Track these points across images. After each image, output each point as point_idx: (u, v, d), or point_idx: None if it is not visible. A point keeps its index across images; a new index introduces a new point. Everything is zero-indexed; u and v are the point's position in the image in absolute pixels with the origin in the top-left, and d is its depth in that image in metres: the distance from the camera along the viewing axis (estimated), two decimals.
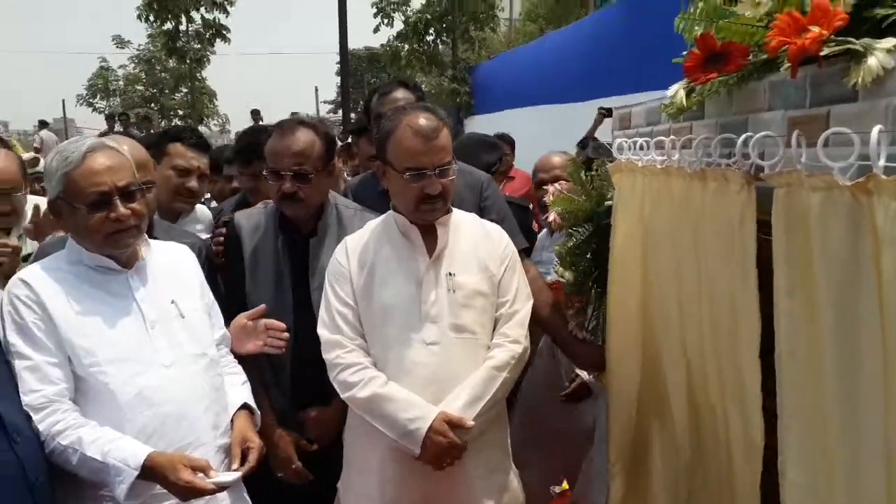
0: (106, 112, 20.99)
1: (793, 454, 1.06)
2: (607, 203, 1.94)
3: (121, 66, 24.99)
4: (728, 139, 1.32)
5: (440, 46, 16.00)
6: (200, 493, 1.51)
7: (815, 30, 1.02)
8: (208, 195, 3.22)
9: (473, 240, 1.88)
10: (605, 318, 1.98)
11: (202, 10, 19.24)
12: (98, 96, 24.85)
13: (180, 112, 23.15)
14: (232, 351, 1.92)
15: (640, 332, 1.72)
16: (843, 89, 1.04)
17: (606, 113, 5.03)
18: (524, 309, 1.87)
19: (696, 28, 1.36)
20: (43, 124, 14.83)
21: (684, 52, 1.40)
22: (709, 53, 1.27)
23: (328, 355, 1.81)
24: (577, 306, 2.13)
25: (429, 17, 15.23)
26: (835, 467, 0.97)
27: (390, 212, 1.90)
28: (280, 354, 1.97)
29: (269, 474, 1.90)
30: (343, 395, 1.79)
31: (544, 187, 2.63)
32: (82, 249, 1.65)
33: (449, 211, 1.87)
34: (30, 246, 2.28)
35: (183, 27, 19.44)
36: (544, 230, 2.83)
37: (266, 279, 2.07)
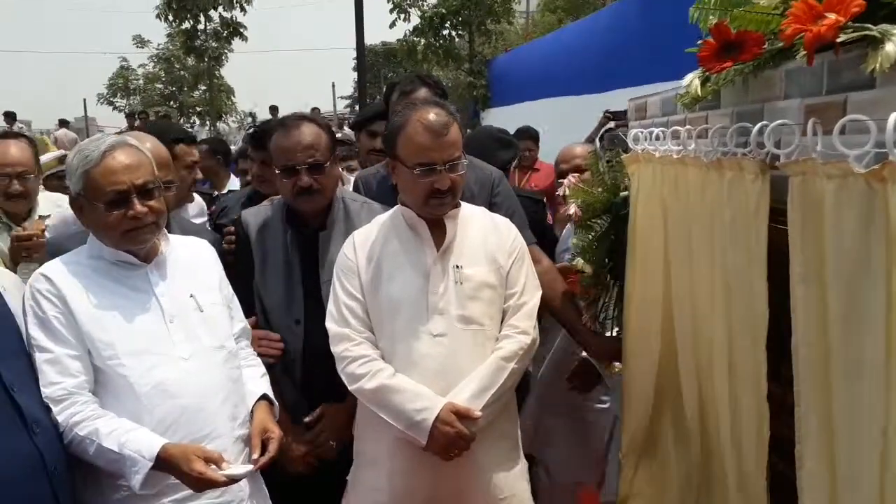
0: (126, 111, 21.26)
1: (811, 443, 1.05)
2: (623, 194, 1.94)
3: (140, 66, 25.32)
4: (744, 128, 1.31)
5: (456, 40, 15.96)
6: (213, 484, 1.53)
7: (832, 16, 1.01)
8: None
9: (482, 232, 1.89)
10: (621, 309, 1.97)
11: (220, 8, 19.39)
12: (118, 95, 25.18)
13: (199, 109, 23.36)
14: None
15: (659, 322, 1.71)
16: (860, 76, 1.02)
17: (611, 116, 5.02)
18: (532, 300, 1.88)
19: (711, 17, 1.34)
20: (63, 123, 15.07)
21: (699, 42, 1.39)
22: (723, 43, 1.26)
23: (336, 348, 1.83)
24: (590, 297, 2.12)
25: (444, 11, 15.18)
26: (850, 456, 0.96)
27: (398, 206, 1.91)
28: (290, 348, 2.01)
29: (281, 467, 1.92)
30: (351, 387, 1.80)
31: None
32: (102, 245, 1.67)
33: (458, 205, 1.87)
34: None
35: (201, 26, 19.60)
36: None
37: (276, 274, 2.09)
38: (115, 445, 1.50)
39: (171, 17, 19.14)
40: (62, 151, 4.68)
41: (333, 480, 1.96)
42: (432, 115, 1.77)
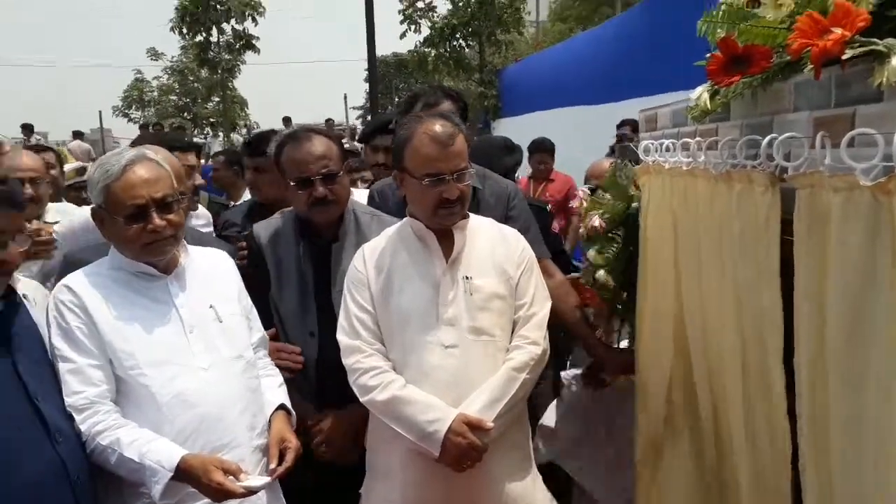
0: (140, 122, 21.50)
1: (812, 455, 1.06)
2: (634, 205, 1.95)
3: (155, 78, 25.59)
4: (753, 140, 1.32)
5: (467, 50, 16.03)
6: (230, 495, 1.55)
7: (838, 31, 1.02)
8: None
9: (490, 243, 1.90)
10: (634, 320, 1.98)
11: (232, 21, 19.59)
12: (133, 107, 25.47)
13: (212, 120, 23.57)
14: None
15: (671, 334, 1.71)
16: (868, 89, 1.03)
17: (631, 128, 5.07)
18: (542, 311, 1.89)
19: (719, 31, 1.36)
20: (77, 135, 15.23)
21: (707, 55, 1.40)
22: (731, 56, 1.28)
23: (348, 360, 1.84)
24: (606, 310, 2.13)
25: (455, 22, 15.26)
26: (850, 469, 0.97)
27: (406, 218, 1.92)
28: (304, 359, 2.03)
29: (297, 478, 1.93)
30: (362, 399, 1.80)
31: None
32: (123, 257, 1.71)
33: (466, 216, 1.89)
34: None
35: (214, 39, 19.81)
36: None
37: (290, 286, 2.11)
38: (136, 455, 1.53)
39: (184, 31, 19.36)
40: (81, 163, 4.77)
41: (348, 493, 1.97)
42: (438, 126, 1.79)
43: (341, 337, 1.87)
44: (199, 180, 2.76)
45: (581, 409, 2.40)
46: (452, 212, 1.81)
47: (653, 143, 1.82)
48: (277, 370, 1.95)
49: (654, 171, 1.74)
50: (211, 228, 3.17)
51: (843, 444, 0.98)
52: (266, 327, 2.01)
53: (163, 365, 1.64)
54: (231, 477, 1.55)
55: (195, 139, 17.67)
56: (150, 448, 1.54)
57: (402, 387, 1.76)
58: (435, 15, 15.72)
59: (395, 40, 17.40)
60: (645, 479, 1.89)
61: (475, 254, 1.86)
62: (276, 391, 1.88)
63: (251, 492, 1.59)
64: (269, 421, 1.80)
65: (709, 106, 1.41)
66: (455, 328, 1.79)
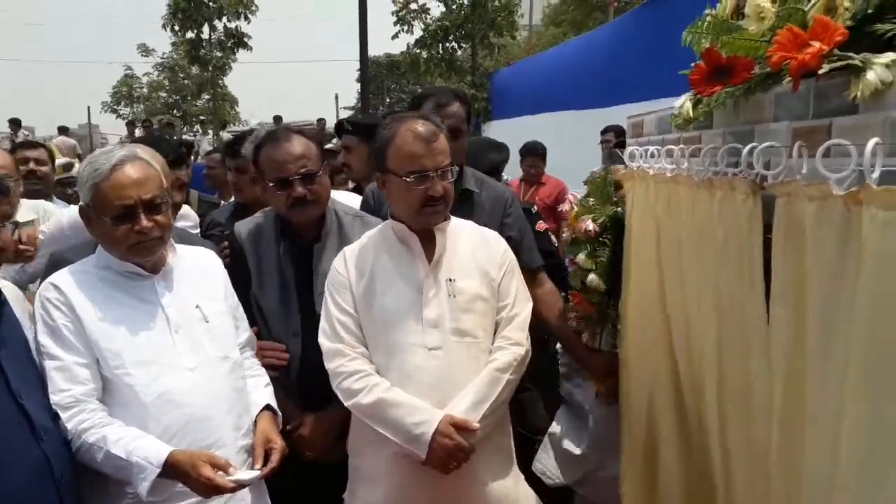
0: (129, 118, 21.37)
1: (780, 457, 1.08)
2: (620, 209, 1.98)
3: (145, 74, 25.48)
4: (734, 148, 1.35)
5: (458, 52, 16.08)
6: (220, 490, 1.55)
7: (816, 45, 1.05)
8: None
9: (472, 245, 1.91)
10: (618, 325, 2.01)
11: (224, 19, 19.54)
12: (122, 103, 25.33)
13: (202, 118, 23.50)
14: None
15: (656, 336, 1.73)
16: (844, 101, 1.06)
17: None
18: (524, 312, 1.91)
19: (704, 41, 1.39)
20: (62, 130, 15.13)
21: (692, 64, 1.43)
22: (714, 67, 1.30)
23: (330, 364, 1.83)
24: (592, 315, 2.15)
25: (448, 24, 15.30)
26: (815, 470, 1.00)
27: (388, 221, 1.93)
28: (286, 360, 2.03)
29: (281, 479, 1.93)
30: (347, 403, 1.80)
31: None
32: (110, 256, 1.70)
33: (447, 218, 1.90)
34: None
35: (206, 36, 19.75)
36: None
37: (271, 285, 2.11)
38: (122, 452, 1.53)
39: (176, 27, 19.29)
40: (68, 159, 4.75)
41: (331, 493, 1.97)
42: (420, 125, 1.80)
43: (323, 340, 1.86)
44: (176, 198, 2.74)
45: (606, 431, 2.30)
46: (437, 210, 1.82)
47: (638, 150, 1.85)
48: (264, 370, 1.96)
49: (639, 177, 1.77)
50: (198, 230, 3.16)
51: (813, 442, 1.01)
52: (249, 325, 2.02)
53: (148, 365, 1.64)
54: (220, 472, 1.55)
55: (184, 136, 17.59)
56: (137, 445, 1.54)
57: (387, 389, 1.77)
58: (428, 17, 15.76)
59: (388, 41, 17.43)
60: (633, 480, 1.90)
61: (457, 256, 1.88)
62: (262, 391, 1.88)
63: (241, 486, 1.59)
64: (255, 421, 1.80)
65: (691, 114, 1.44)
66: (438, 330, 1.80)
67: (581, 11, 18.24)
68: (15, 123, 14.07)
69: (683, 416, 1.61)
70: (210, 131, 22.77)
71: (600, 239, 2.08)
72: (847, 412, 0.90)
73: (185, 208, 3.05)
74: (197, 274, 1.83)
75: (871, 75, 0.99)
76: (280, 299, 2.10)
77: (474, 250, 1.91)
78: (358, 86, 16.84)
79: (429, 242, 1.86)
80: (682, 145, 1.60)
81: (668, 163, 1.63)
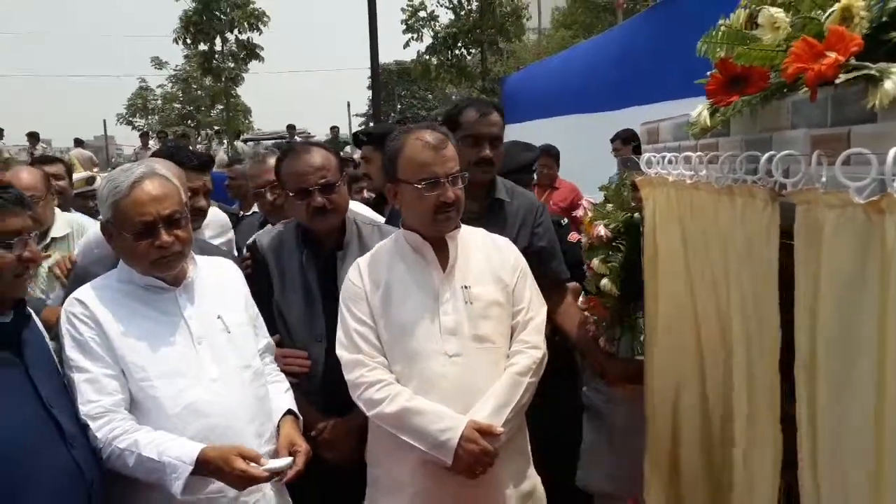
0: (143, 129, 21.60)
1: (810, 463, 1.09)
2: (636, 215, 1.98)
3: (159, 86, 25.77)
4: (753, 156, 1.35)
5: (468, 58, 16.13)
6: (254, 480, 1.56)
7: (832, 55, 1.05)
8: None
9: (484, 252, 1.93)
10: (638, 330, 2.01)
11: (236, 31, 19.73)
12: (137, 115, 25.64)
13: (216, 128, 23.70)
14: None
15: (684, 343, 1.71)
16: (863, 110, 1.06)
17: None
18: (539, 316, 1.92)
19: (719, 51, 1.39)
20: (78, 142, 15.36)
21: (708, 73, 1.43)
22: (730, 77, 1.31)
23: (350, 375, 1.83)
24: (608, 321, 2.16)
25: (457, 31, 15.36)
26: (848, 477, 1.00)
27: (400, 231, 1.94)
28: (311, 363, 2.06)
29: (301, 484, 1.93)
30: (370, 413, 1.81)
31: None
32: (132, 270, 1.73)
33: (458, 225, 1.91)
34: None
35: (218, 48, 19.94)
36: None
37: (295, 293, 2.14)
38: (154, 454, 1.55)
39: (188, 41, 19.50)
40: (89, 173, 4.82)
41: (351, 500, 1.98)
42: (427, 133, 1.83)
43: (341, 352, 1.87)
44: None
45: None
46: (450, 216, 1.83)
47: (655, 157, 1.85)
48: (284, 376, 1.98)
49: (658, 184, 1.77)
50: (224, 239, 3.15)
51: (833, 446, 1.01)
52: (270, 334, 2.04)
53: (173, 377, 1.67)
54: (253, 463, 1.57)
55: (198, 146, 17.74)
56: (168, 446, 1.56)
57: (409, 398, 1.78)
58: (436, 24, 15.82)
59: (397, 48, 17.51)
60: (656, 487, 1.90)
61: (471, 263, 1.89)
62: (283, 397, 1.91)
63: (275, 473, 1.61)
64: (278, 426, 1.83)
65: (708, 123, 1.44)
66: (457, 337, 1.81)
67: (590, 14, 18.21)
68: (33, 137, 14.28)
69: (709, 422, 1.61)
70: (224, 141, 22.98)
71: (613, 244, 2.09)
72: (881, 416, 0.90)
73: (212, 211, 3.01)
74: (217, 285, 1.86)
75: (888, 84, 0.99)
76: (304, 304, 2.13)
77: (488, 256, 1.92)
78: (369, 93, 16.93)
79: (441, 250, 1.88)
80: (699, 152, 1.60)
81: (687, 169, 1.63)
